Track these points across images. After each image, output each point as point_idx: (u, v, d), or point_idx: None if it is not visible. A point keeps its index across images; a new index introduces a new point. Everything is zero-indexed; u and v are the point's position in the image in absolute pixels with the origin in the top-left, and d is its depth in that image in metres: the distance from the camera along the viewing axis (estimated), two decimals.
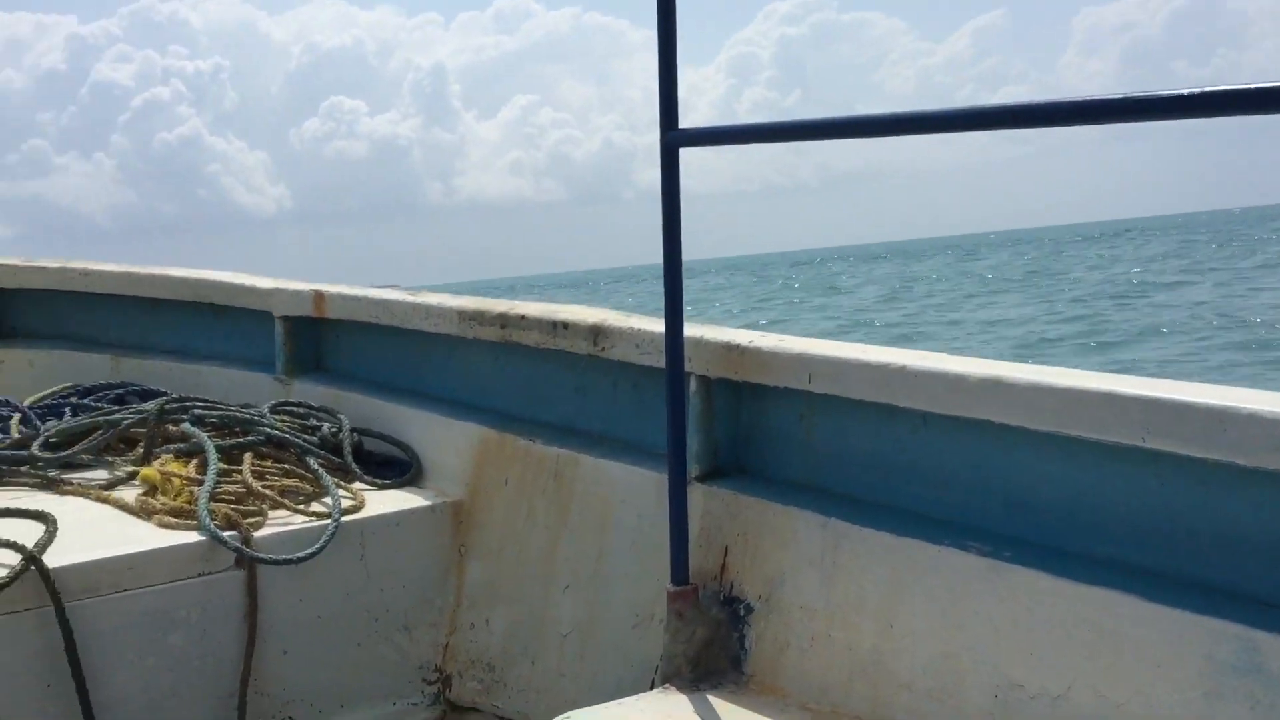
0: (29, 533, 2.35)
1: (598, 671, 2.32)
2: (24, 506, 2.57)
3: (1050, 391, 1.64)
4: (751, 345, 2.10)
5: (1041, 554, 1.68)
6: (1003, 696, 1.65)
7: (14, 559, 2.23)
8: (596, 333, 2.46)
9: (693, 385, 2.16)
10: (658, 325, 2.27)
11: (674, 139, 1.99)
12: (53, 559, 2.26)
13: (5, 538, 2.30)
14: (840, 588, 1.89)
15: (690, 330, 2.12)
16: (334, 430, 3.04)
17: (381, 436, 3.09)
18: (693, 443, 2.13)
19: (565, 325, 2.55)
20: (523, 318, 2.66)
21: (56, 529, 2.41)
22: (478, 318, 2.81)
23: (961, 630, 1.71)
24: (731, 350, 2.12)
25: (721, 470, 2.22)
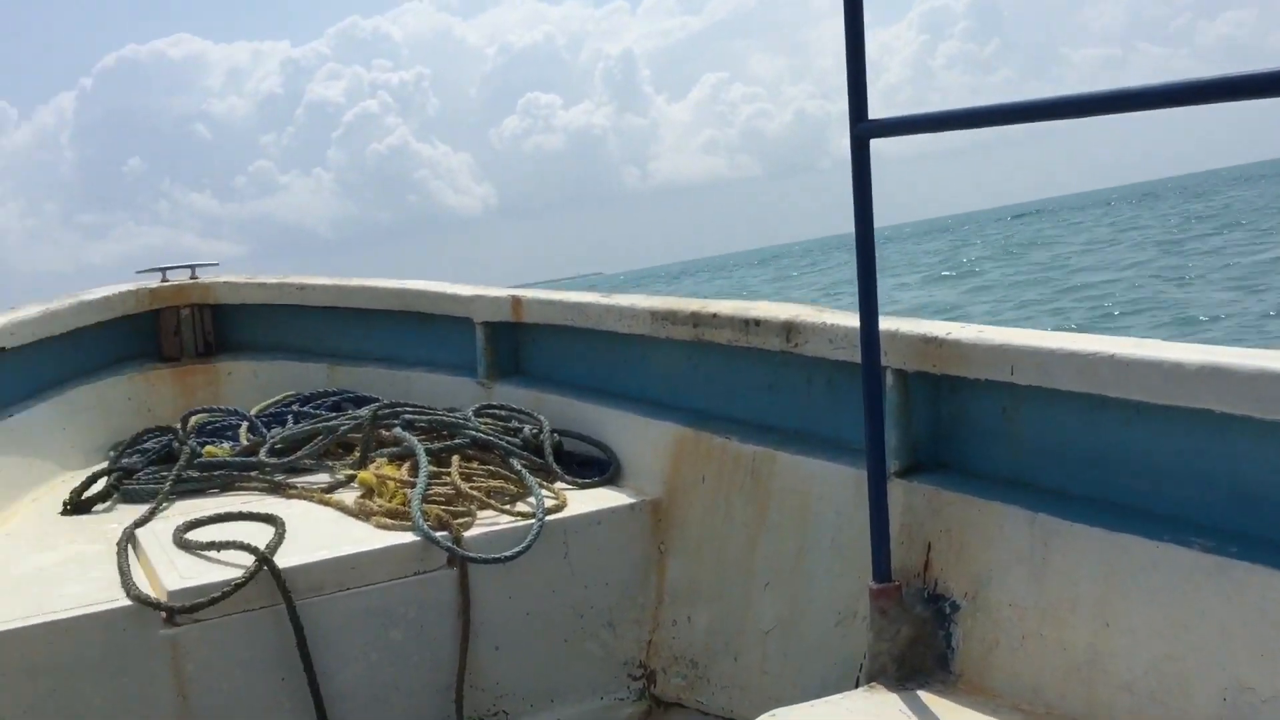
0: (261, 535, 2.52)
1: (801, 669, 2.31)
2: (255, 510, 2.75)
3: (1276, 378, 1.54)
4: (950, 337, 2.05)
5: (1272, 550, 1.58)
6: (1232, 700, 1.55)
7: (248, 560, 2.39)
8: (789, 329, 2.45)
9: (889, 379, 2.12)
10: (851, 320, 2.24)
11: (864, 130, 1.96)
12: (283, 559, 2.41)
13: (240, 539, 2.47)
14: (1052, 585, 1.82)
15: (885, 323, 2.09)
16: (535, 432, 3.13)
17: (580, 437, 3.17)
18: (891, 438, 2.10)
19: (757, 323, 2.54)
20: (714, 316, 2.68)
21: (285, 531, 2.57)
22: (669, 317, 2.84)
23: (1186, 630, 1.63)
24: (929, 343, 2.08)
25: (921, 465, 2.17)
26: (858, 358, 2.10)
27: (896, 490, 2.10)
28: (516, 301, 3.50)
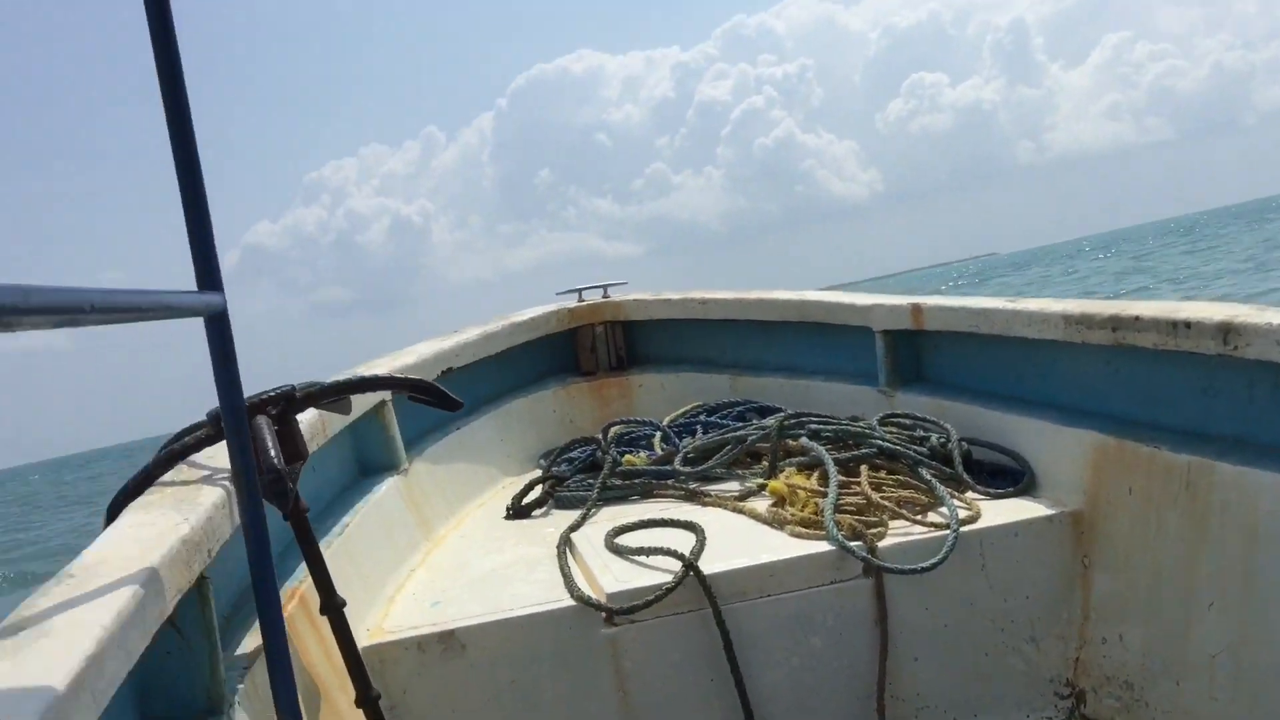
0: (683, 541, 2.66)
1: (1257, 698, 2.13)
2: (675, 517, 2.91)
3: None
4: None
5: None
6: None
7: (675, 565, 2.54)
8: (1226, 330, 2.26)
9: None
10: None
11: None
12: (706, 565, 2.54)
13: (667, 546, 2.63)
14: None
15: None
16: (942, 440, 3.09)
17: (989, 445, 3.09)
18: None
19: (1187, 325, 2.37)
20: (1136, 319, 2.52)
21: (705, 538, 2.70)
22: (1085, 322, 2.70)
23: None
24: None
25: None
26: None
27: None
28: (916, 309, 3.47)
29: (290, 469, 1.82)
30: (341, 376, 2.21)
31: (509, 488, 3.69)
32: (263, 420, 1.80)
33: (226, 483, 1.85)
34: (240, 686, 1.72)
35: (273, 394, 1.90)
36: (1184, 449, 2.41)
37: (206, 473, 1.91)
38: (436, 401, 2.14)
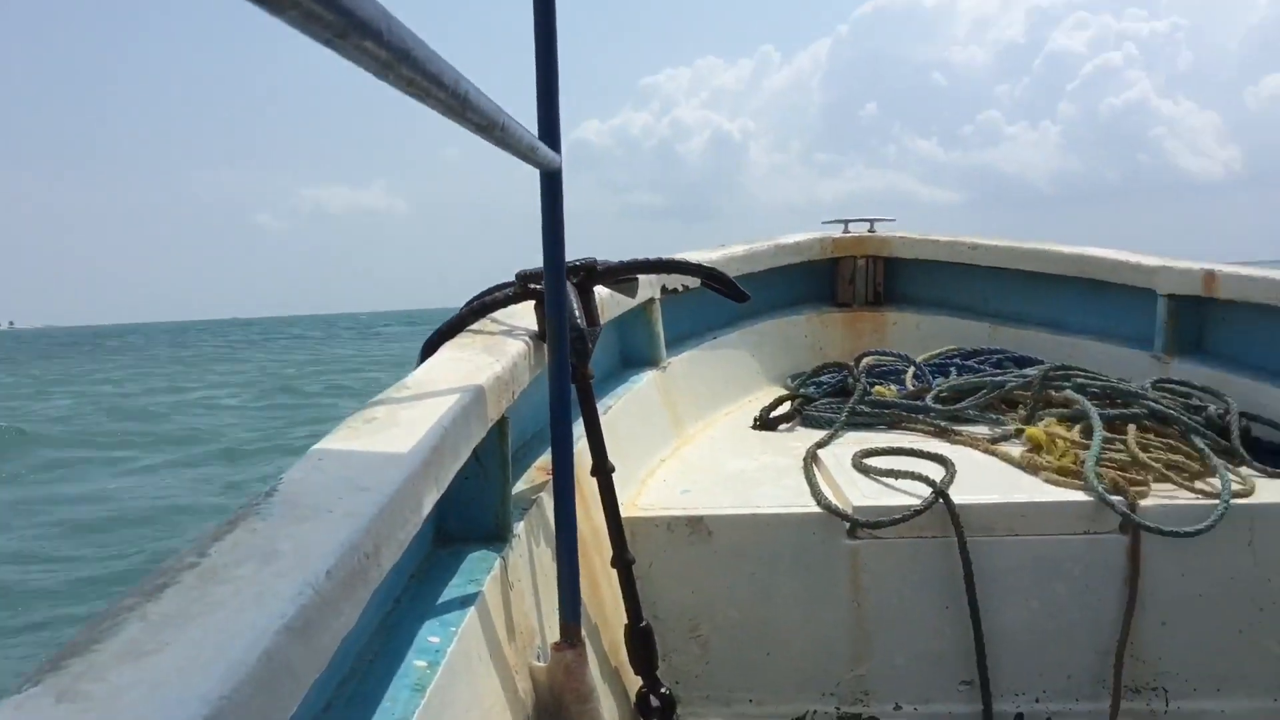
0: (933, 471, 2.67)
1: None
2: (924, 449, 2.91)
3: None
4: None
5: None
6: None
7: (924, 490, 2.55)
8: None
9: None
10: None
11: None
12: (956, 496, 2.54)
13: (916, 471, 2.64)
14: None
15: None
16: (1220, 412, 2.95)
17: (1273, 424, 2.93)
18: None
19: None
20: None
21: (956, 471, 2.69)
22: None
23: None
24: None
25: None
26: None
27: None
28: (1210, 276, 3.30)
29: (590, 330, 1.94)
30: (639, 258, 2.31)
31: (757, 401, 3.76)
32: (569, 284, 1.93)
33: (527, 338, 1.99)
34: (522, 521, 1.87)
35: (578, 263, 2.02)
36: None
37: (508, 327, 2.06)
38: (727, 291, 2.22)
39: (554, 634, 1.80)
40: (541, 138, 1.61)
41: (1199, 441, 2.80)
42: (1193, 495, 2.57)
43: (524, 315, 2.13)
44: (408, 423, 1.35)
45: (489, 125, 0.97)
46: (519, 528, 1.85)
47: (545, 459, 2.16)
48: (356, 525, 0.98)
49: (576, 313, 1.88)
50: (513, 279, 2.09)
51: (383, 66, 0.62)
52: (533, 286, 2.02)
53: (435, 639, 1.36)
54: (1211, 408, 2.98)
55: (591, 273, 2.06)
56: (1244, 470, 2.74)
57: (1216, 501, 2.50)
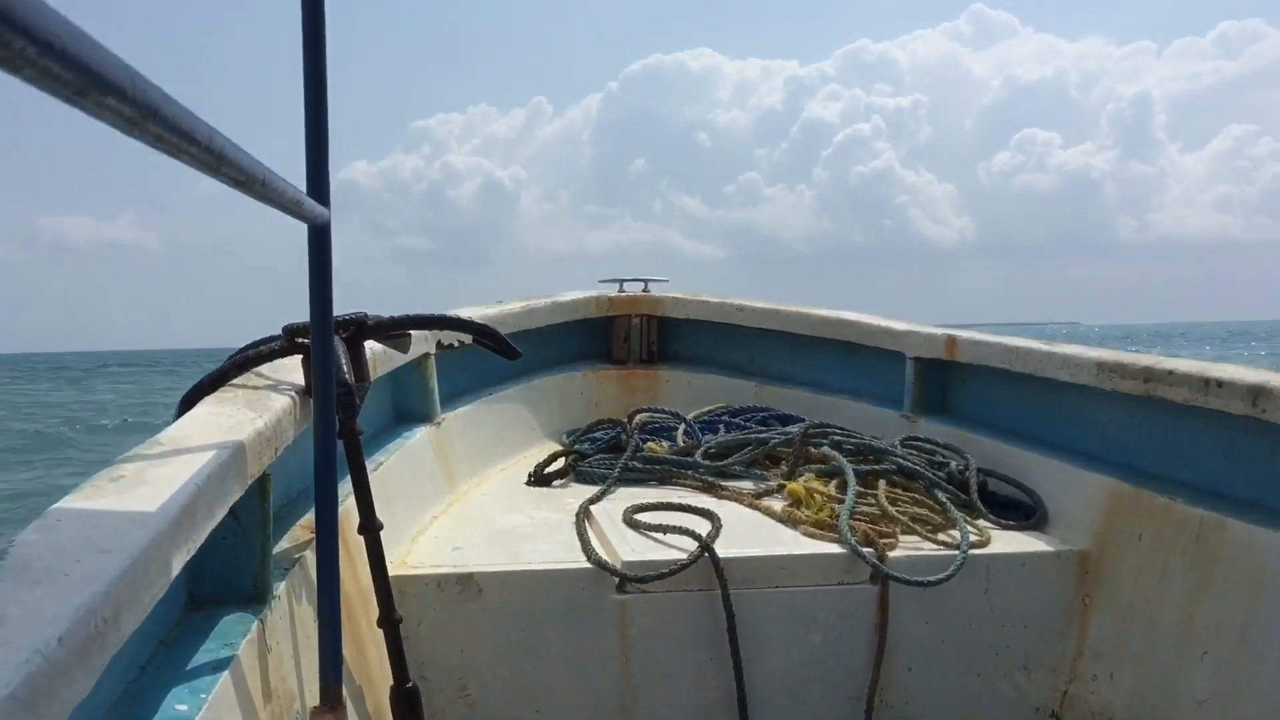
0: (699, 525, 2.75)
1: None
2: (692, 504, 3.00)
3: None
4: None
5: None
6: None
7: (691, 545, 2.63)
8: (1256, 394, 2.34)
9: None
10: None
11: None
12: (721, 550, 2.63)
13: (684, 526, 2.72)
14: None
15: None
16: (961, 468, 3.17)
17: (1006, 479, 3.17)
18: None
19: (1219, 384, 2.45)
20: (1170, 373, 2.61)
21: (721, 525, 2.79)
22: (1118, 370, 2.79)
23: None
24: None
25: None
26: None
27: None
28: (951, 340, 3.56)
29: (359, 386, 1.91)
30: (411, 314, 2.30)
31: (532, 457, 3.78)
32: (336, 339, 1.90)
33: (293, 393, 1.94)
34: (283, 581, 1.81)
35: (348, 317, 2.00)
36: (1199, 503, 2.49)
37: (274, 382, 2.01)
38: (499, 348, 2.23)
39: (315, 698, 1.75)
40: (310, 191, 1.60)
41: (942, 496, 3.01)
42: (936, 546, 2.74)
43: (291, 370, 2.08)
44: (158, 480, 1.30)
45: (248, 180, 0.95)
46: (280, 588, 1.79)
47: (311, 517, 2.10)
48: (95, 589, 0.94)
49: (345, 368, 1.85)
50: (280, 332, 2.04)
51: (128, 123, 0.61)
52: (300, 340, 1.98)
53: (183, 706, 1.31)
54: (953, 464, 3.20)
55: (362, 328, 2.04)
56: (981, 523, 2.95)
57: (956, 552, 2.68)
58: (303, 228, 1.61)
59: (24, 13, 0.46)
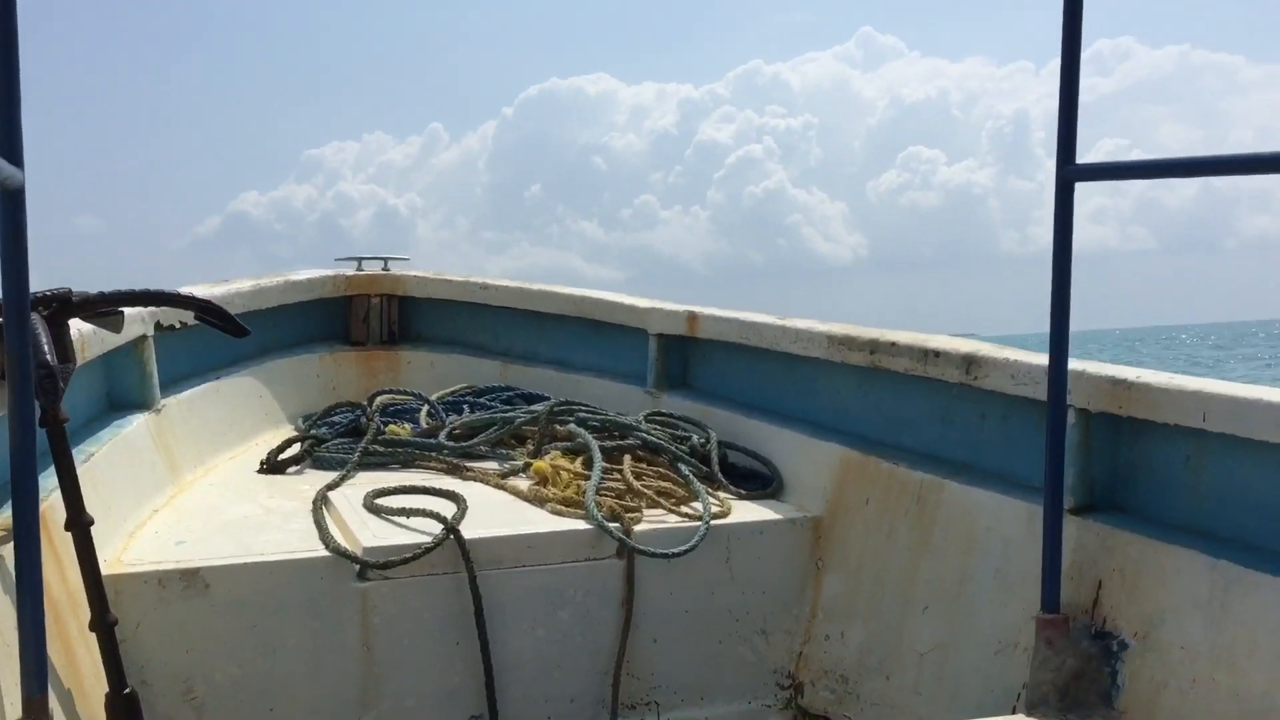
0: (444, 508, 2.69)
1: (956, 693, 2.36)
2: (437, 486, 2.93)
3: None
4: (1140, 380, 2.08)
5: None
6: None
7: (435, 528, 2.56)
8: (969, 362, 2.51)
9: (1072, 417, 2.16)
10: (1033, 358, 2.31)
11: (1070, 174, 2.02)
12: (467, 531, 2.58)
13: (428, 509, 2.65)
14: (1229, 632, 1.84)
15: (1074, 364, 2.13)
16: (702, 441, 3.24)
17: (745, 451, 3.26)
18: (1068, 475, 2.14)
19: (936, 354, 2.61)
20: (893, 345, 2.75)
21: (467, 507, 2.73)
22: (847, 343, 2.92)
23: None
24: (1118, 385, 2.11)
25: (1095, 505, 2.20)
26: (1038, 394, 2.15)
27: (1070, 527, 2.14)
28: (692, 317, 3.63)
29: (62, 368, 1.74)
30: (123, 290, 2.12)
31: (264, 443, 3.59)
32: (36, 316, 1.72)
33: None
34: None
35: (50, 293, 1.82)
36: (920, 468, 2.65)
37: None
38: (225, 326, 2.09)
39: (17, 710, 1.58)
40: (3, 154, 1.43)
41: (685, 469, 3.06)
42: (679, 519, 2.79)
43: None
44: None
45: None
46: None
47: (7, 513, 1.90)
48: None
49: (46, 348, 1.68)
50: None
51: None
52: None
53: None
54: (695, 438, 3.27)
55: (66, 304, 1.85)
56: (722, 494, 3.03)
57: (699, 523, 2.74)
58: None
59: None
